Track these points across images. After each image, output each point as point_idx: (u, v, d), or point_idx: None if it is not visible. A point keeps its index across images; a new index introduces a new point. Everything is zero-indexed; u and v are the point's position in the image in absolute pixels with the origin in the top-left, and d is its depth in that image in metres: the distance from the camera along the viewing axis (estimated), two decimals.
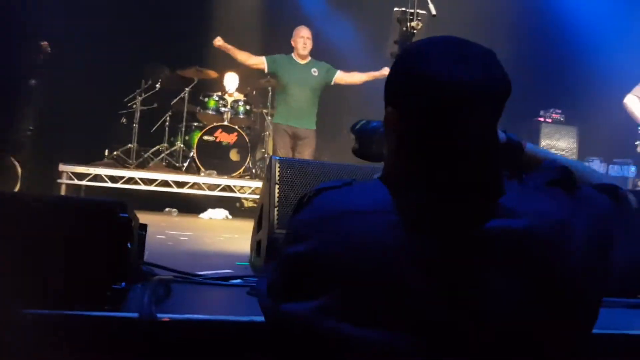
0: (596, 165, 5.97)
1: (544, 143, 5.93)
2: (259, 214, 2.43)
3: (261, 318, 1.42)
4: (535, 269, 0.81)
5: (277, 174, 2.21)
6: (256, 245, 2.39)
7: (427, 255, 0.80)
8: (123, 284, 1.37)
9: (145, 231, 1.81)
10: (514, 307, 0.80)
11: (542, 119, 6.07)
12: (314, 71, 5.33)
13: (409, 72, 0.88)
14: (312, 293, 0.82)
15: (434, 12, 2.69)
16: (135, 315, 1.31)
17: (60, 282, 1.34)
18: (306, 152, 5.26)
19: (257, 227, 2.43)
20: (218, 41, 5.29)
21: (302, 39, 5.32)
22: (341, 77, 5.44)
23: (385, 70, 5.30)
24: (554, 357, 0.84)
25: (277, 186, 2.19)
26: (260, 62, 5.36)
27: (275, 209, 2.16)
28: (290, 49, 5.43)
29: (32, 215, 1.35)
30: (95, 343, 1.34)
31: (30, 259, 1.33)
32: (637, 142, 5.14)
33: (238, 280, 1.87)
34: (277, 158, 2.24)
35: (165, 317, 1.34)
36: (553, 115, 6.11)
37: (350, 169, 2.41)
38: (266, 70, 5.40)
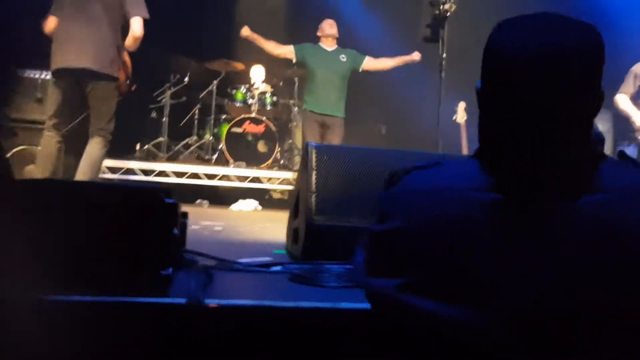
0: (630, 150, 5.82)
1: None
2: (295, 202, 2.43)
3: (305, 303, 1.43)
4: (629, 245, 0.78)
5: (314, 160, 2.20)
6: (293, 233, 2.39)
7: (516, 232, 0.80)
8: (170, 270, 1.38)
9: (187, 219, 1.82)
10: (603, 286, 0.78)
11: None
12: (342, 57, 5.33)
13: (486, 46, 0.90)
14: (398, 269, 0.84)
15: None
16: (183, 301, 1.32)
17: (107, 268, 1.36)
18: (334, 141, 5.26)
19: (294, 215, 2.42)
20: (245, 31, 5.31)
21: (328, 23, 5.36)
22: (370, 63, 5.40)
23: (416, 56, 5.24)
24: None
25: (314, 173, 2.18)
26: (288, 51, 5.37)
27: (313, 196, 2.15)
28: (317, 40, 5.44)
29: (80, 201, 1.37)
30: (143, 329, 1.35)
31: (78, 245, 1.35)
32: None
33: (278, 267, 1.87)
34: (313, 144, 2.23)
35: (212, 302, 1.35)
36: None
37: (386, 154, 2.39)
38: (294, 59, 5.41)
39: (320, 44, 5.41)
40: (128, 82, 3.88)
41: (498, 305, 0.78)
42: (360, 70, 5.42)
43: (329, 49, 5.37)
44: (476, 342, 0.79)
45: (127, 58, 3.85)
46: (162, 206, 1.37)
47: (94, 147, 3.61)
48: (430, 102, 4.18)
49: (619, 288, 0.78)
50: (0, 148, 1.99)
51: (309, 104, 5.35)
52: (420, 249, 0.83)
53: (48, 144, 3.63)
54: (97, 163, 3.62)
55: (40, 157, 3.67)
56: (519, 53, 0.82)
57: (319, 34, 5.46)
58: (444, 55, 2.84)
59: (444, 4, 2.82)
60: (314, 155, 2.20)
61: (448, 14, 2.81)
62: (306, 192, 2.18)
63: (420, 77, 5.66)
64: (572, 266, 0.78)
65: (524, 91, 0.82)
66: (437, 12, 2.83)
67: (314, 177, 2.17)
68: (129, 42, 3.69)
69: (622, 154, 0.90)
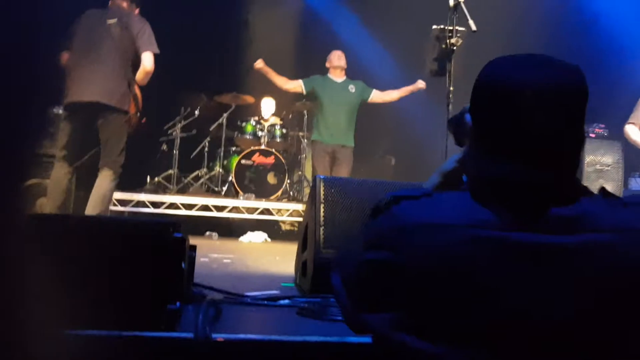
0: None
1: (589, 159, 5.77)
2: (303, 235, 2.43)
3: (313, 338, 1.42)
4: (622, 283, 0.79)
5: (322, 193, 2.21)
6: (302, 266, 2.38)
7: (507, 270, 0.79)
8: (178, 304, 1.38)
9: (195, 252, 1.82)
10: (600, 323, 0.78)
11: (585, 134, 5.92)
12: (351, 87, 5.43)
13: (479, 78, 0.92)
14: (388, 304, 0.83)
15: (474, 28, 2.67)
16: (191, 335, 1.32)
17: (115, 302, 1.36)
18: (344, 171, 5.29)
19: (302, 248, 2.42)
20: (259, 63, 5.39)
21: (337, 54, 5.45)
22: (377, 95, 5.50)
23: (420, 84, 5.33)
24: None
25: (322, 205, 2.19)
26: (297, 85, 5.46)
27: (321, 229, 2.15)
28: (326, 71, 5.53)
29: (88, 236, 1.38)
30: None
31: (85, 279, 1.35)
32: None
33: (286, 301, 1.87)
34: (322, 177, 2.24)
35: (219, 337, 1.34)
36: (596, 130, 5.95)
37: (394, 186, 2.39)
38: (304, 92, 5.50)
39: (329, 75, 5.50)
40: (138, 115, 3.95)
41: (498, 345, 0.77)
42: (369, 101, 5.50)
43: (338, 80, 5.45)
44: None
45: (137, 92, 3.93)
46: (170, 241, 1.38)
47: (103, 180, 3.65)
48: (438, 134, 4.20)
49: (622, 328, 0.78)
50: (19, 182, 2.01)
51: (319, 134, 5.41)
52: (414, 284, 0.82)
53: (58, 175, 3.68)
54: (106, 196, 3.65)
55: (50, 188, 3.71)
56: (525, 88, 0.84)
57: (327, 65, 5.56)
58: (451, 88, 2.86)
59: (450, 38, 2.86)
60: (322, 188, 2.21)
61: (455, 47, 2.85)
62: (314, 225, 2.18)
63: (429, 109, 5.72)
64: (575, 307, 0.78)
65: (529, 124, 0.84)
66: (443, 46, 2.87)
67: (322, 210, 2.18)
68: (139, 76, 3.76)
69: (604, 191, 0.90)
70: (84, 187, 3.93)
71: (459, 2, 2.79)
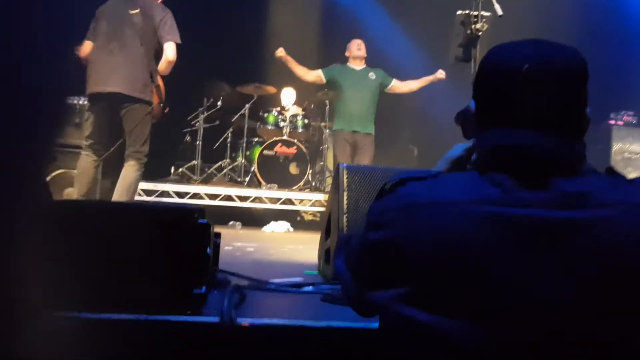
0: None
1: (616, 147, 5.67)
2: (327, 223, 2.43)
3: (337, 323, 1.42)
4: (627, 259, 0.79)
5: (345, 181, 2.20)
6: (325, 253, 2.38)
7: (512, 246, 0.80)
8: (204, 288, 1.39)
9: (220, 239, 1.84)
10: (609, 304, 0.78)
11: (613, 122, 5.80)
12: (371, 75, 5.41)
13: (480, 64, 0.97)
14: (394, 281, 0.85)
15: (500, 12, 2.62)
16: (216, 319, 1.33)
17: (143, 287, 1.38)
18: (364, 160, 5.28)
19: (325, 235, 2.42)
20: (280, 52, 5.39)
21: (356, 44, 5.43)
22: (397, 85, 5.48)
23: (440, 74, 5.27)
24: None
25: (345, 193, 2.18)
26: (317, 75, 5.47)
27: (345, 216, 2.15)
28: (346, 60, 5.51)
29: (116, 221, 1.40)
30: (177, 347, 1.36)
31: (113, 264, 1.37)
32: None
33: (310, 288, 1.87)
34: (345, 165, 2.23)
35: (245, 321, 1.35)
36: (625, 117, 5.82)
37: None
38: (324, 80, 5.49)
39: (349, 64, 5.49)
40: (161, 105, 3.97)
41: (502, 320, 0.78)
42: (388, 91, 5.47)
43: (358, 68, 5.44)
44: (477, 357, 0.78)
45: (160, 82, 3.95)
46: (196, 226, 1.39)
47: (128, 170, 3.69)
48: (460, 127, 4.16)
49: (626, 305, 0.77)
50: (42, 172, 2.04)
51: (339, 122, 5.41)
52: (420, 261, 0.83)
53: (84, 163, 3.73)
54: (132, 186, 3.70)
55: (77, 177, 3.77)
56: (519, 67, 0.87)
57: (347, 54, 5.55)
58: None
59: (475, 23, 2.81)
60: (345, 176, 2.20)
61: (480, 33, 2.80)
62: (337, 213, 2.18)
63: (452, 98, 5.64)
64: (578, 282, 0.78)
65: (526, 99, 0.87)
66: (468, 31, 2.82)
67: (345, 197, 2.18)
68: (162, 66, 3.78)
69: (610, 170, 0.90)
70: (110, 177, 3.98)
71: None
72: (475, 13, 2.78)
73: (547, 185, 0.83)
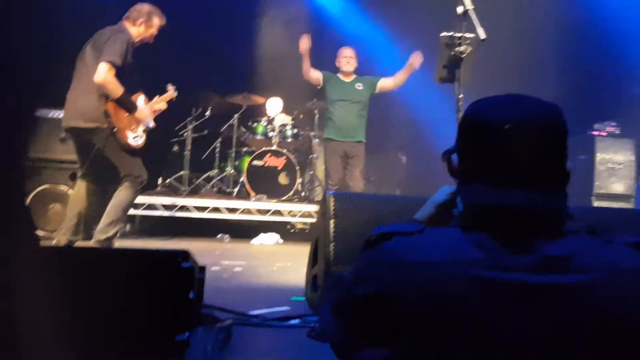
0: None
1: (600, 157, 5.71)
2: (313, 248, 2.43)
3: None
4: (607, 323, 0.80)
5: (332, 208, 2.20)
6: (312, 279, 2.38)
7: (495, 308, 0.81)
8: (186, 334, 1.39)
9: (204, 274, 1.82)
10: None
11: (596, 133, 5.84)
12: (358, 85, 5.42)
13: (463, 117, 0.98)
14: (379, 338, 0.85)
15: (483, 36, 2.62)
16: None
17: (124, 333, 1.37)
18: (357, 170, 5.29)
19: (312, 261, 2.42)
20: (305, 43, 5.28)
21: (346, 58, 5.44)
22: (384, 84, 5.48)
23: (413, 58, 5.20)
24: None
25: (332, 221, 2.18)
26: (318, 75, 5.46)
27: (332, 245, 2.15)
28: (336, 70, 5.51)
29: (100, 268, 1.39)
30: None
31: (94, 311, 1.36)
32: None
33: (296, 321, 1.87)
34: (332, 192, 2.23)
35: None
36: (608, 128, 5.87)
37: (404, 200, 2.38)
38: (321, 84, 5.49)
39: (339, 75, 5.48)
40: (114, 130, 3.62)
41: None
42: (377, 92, 5.48)
43: (347, 80, 5.44)
44: None
45: (109, 106, 3.57)
46: (179, 271, 1.39)
47: (119, 191, 3.65)
48: (448, 137, 4.19)
49: None
50: (28, 217, 2.02)
51: (330, 131, 5.41)
52: (406, 322, 0.83)
53: (78, 190, 3.72)
54: (121, 204, 3.65)
55: (71, 201, 3.75)
56: (501, 126, 0.88)
57: (337, 64, 5.52)
58: (461, 95, 2.83)
59: (459, 45, 2.82)
60: (332, 204, 2.20)
61: (463, 55, 2.81)
62: (325, 240, 2.18)
63: (440, 108, 5.67)
64: (557, 346, 0.79)
65: (507, 157, 0.88)
66: (452, 53, 2.83)
67: (332, 225, 2.17)
68: (100, 90, 3.52)
69: (590, 229, 0.92)
70: (105, 196, 3.96)
71: (467, 10, 2.75)
72: (459, 35, 2.79)
73: (530, 247, 0.84)
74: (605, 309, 0.80)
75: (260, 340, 1.71)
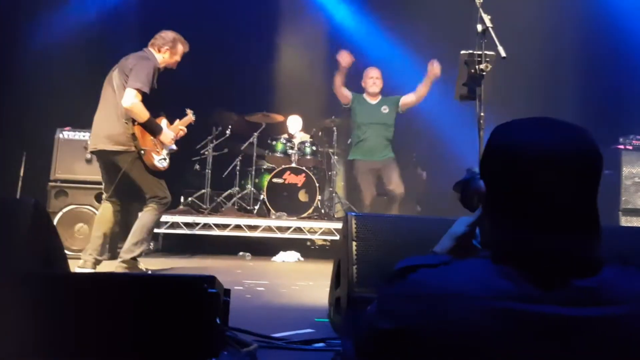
0: None
1: (626, 171, 5.62)
2: (336, 270, 2.43)
3: None
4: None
5: (354, 230, 2.20)
6: (335, 301, 2.38)
7: (525, 341, 0.79)
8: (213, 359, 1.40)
9: (229, 296, 1.84)
10: None
11: (622, 147, 5.76)
12: (384, 108, 5.51)
13: (490, 144, 0.92)
14: None
15: (503, 54, 2.62)
16: None
17: (150, 359, 1.38)
18: (394, 174, 5.43)
19: (335, 283, 2.42)
20: (347, 58, 5.36)
21: (372, 79, 5.51)
22: (405, 101, 5.53)
23: (434, 67, 5.20)
24: None
25: (354, 243, 2.18)
26: (348, 94, 5.56)
27: (354, 267, 2.15)
28: (362, 90, 5.59)
29: (126, 294, 1.41)
30: None
31: (121, 335, 1.38)
32: None
33: (321, 344, 1.87)
34: (353, 214, 2.24)
35: None
36: (634, 141, 5.77)
37: (426, 221, 2.37)
38: (348, 104, 5.56)
39: (364, 95, 5.57)
40: (142, 152, 3.67)
41: None
42: (401, 111, 5.54)
43: (372, 101, 5.54)
44: None
45: (136, 129, 3.65)
46: (205, 296, 1.40)
47: (145, 212, 3.73)
48: (470, 154, 4.17)
49: None
50: (58, 244, 2.07)
51: (356, 152, 5.49)
52: (432, 354, 0.82)
53: (103, 210, 3.80)
54: (146, 226, 3.71)
55: (97, 221, 3.83)
56: (535, 153, 0.84)
57: (362, 84, 5.61)
58: (482, 113, 2.83)
59: (479, 63, 2.82)
60: (354, 225, 2.21)
61: (484, 73, 2.81)
62: (347, 263, 2.18)
63: (460, 124, 5.67)
64: None
65: (541, 187, 0.83)
66: (472, 70, 2.84)
67: (354, 247, 2.18)
68: (127, 115, 3.63)
69: (622, 259, 0.88)
70: (128, 215, 4.04)
71: (487, 28, 2.75)
72: (479, 52, 2.79)
73: (562, 281, 0.82)
74: (637, 342, 0.78)
75: None
